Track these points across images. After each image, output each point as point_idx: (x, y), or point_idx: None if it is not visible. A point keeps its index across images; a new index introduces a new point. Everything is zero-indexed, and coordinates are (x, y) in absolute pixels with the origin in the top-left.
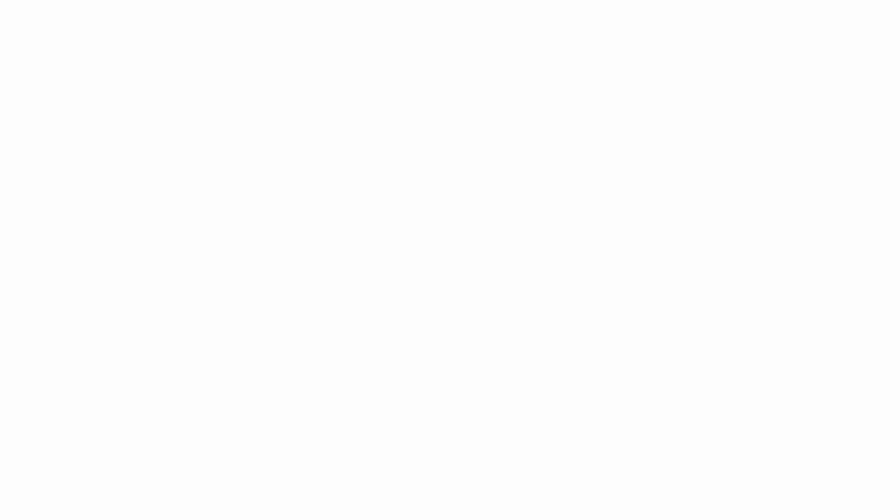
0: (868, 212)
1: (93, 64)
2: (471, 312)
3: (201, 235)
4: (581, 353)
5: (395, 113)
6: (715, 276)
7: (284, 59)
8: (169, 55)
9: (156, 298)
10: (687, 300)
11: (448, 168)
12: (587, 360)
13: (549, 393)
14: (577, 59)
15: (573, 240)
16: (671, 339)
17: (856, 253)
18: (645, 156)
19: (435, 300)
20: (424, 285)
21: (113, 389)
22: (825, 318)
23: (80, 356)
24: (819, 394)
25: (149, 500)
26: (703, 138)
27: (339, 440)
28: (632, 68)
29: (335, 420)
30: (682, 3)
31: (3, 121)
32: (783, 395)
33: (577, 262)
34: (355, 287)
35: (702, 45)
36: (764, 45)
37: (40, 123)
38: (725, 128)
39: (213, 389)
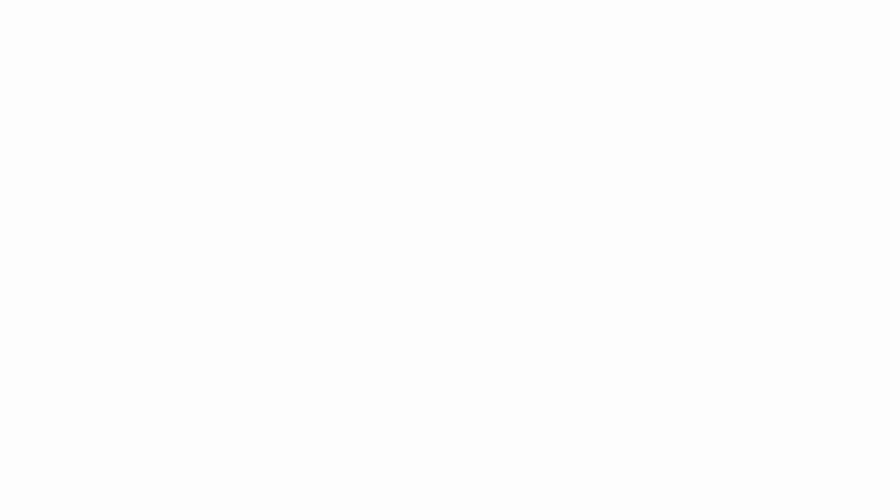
0: (868, 212)
1: (93, 64)
2: (470, 313)
3: (201, 235)
4: (581, 353)
5: (396, 113)
6: (715, 276)
7: (284, 59)
8: (169, 55)
9: (156, 298)
10: (687, 300)
11: (448, 168)
12: (587, 360)
13: (549, 393)
14: (578, 59)
15: (573, 240)
16: (671, 339)
17: (856, 253)
18: (645, 156)
19: (435, 300)
20: (424, 285)
21: (113, 389)
22: (825, 318)
23: (80, 356)
24: (819, 394)
25: (149, 501)
26: (703, 138)
27: (339, 440)
28: (632, 68)
29: (335, 420)
30: (682, 3)
31: (2, 121)
32: (783, 395)
33: (577, 262)
34: (355, 287)
35: (702, 45)
36: (764, 45)
37: (40, 123)
38: (725, 128)
39: (214, 389)
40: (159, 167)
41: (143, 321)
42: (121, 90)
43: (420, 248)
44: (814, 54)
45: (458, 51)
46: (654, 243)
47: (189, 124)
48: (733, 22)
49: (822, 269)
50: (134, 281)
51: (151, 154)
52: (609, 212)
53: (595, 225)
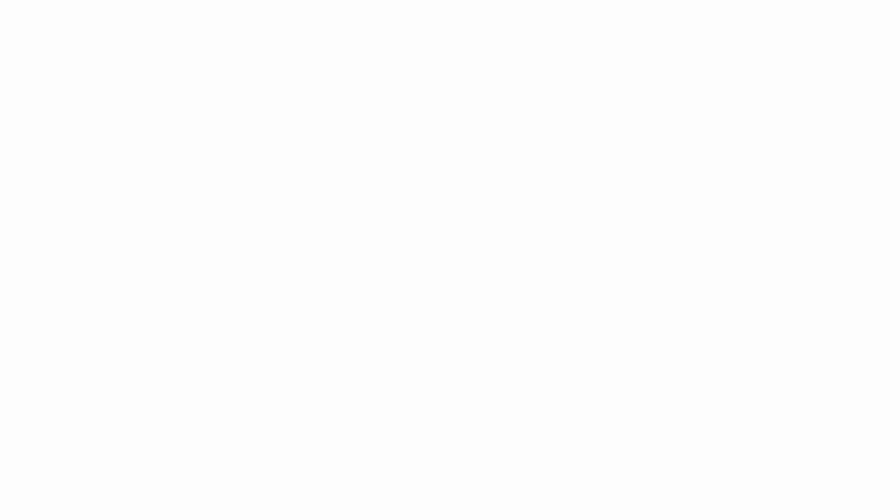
0: (868, 212)
1: (93, 64)
2: (470, 313)
3: (201, 235)
4: (581, 353)
5: (396, 113)
6: (715, 276)
7: (284, 59)
8: (169, 55)
9: (156, 298)
10: (687, 300)
11: (448, 168)
12: (587, 360)
13: (549, 393)
14: (578, 59)
15: (573, 240)
16: (671, 339)
17: (856, 253)
18: (645, 156)
19: (435, 300)
20: (424, 285)
21: (113, 389)
22: (825, 318)
23: (80, 356)
24: (819, 394)
25: (149, 501)
26: (703, 138)
27: (339, 440)
28: (632, 68)
29: (335, 420)
30: (682, 3)
31: (2, 121)
32: (783, 396)
33: (577, 263)
34: (355, 287)
35: (702, 45)
36: (764, 45)
37: (40, 123)
38: (725, 128)
39: (214, 389)
40: (159, 167)
41: (143, 321)
42: (121, 90)
43: (420, 248)
44: (814, 54)
45: (458, 51)
46: (654, 243)
47: (189, 124)
48: (733, 22)
49: (821, 269)
50: (134, 281)
51: (151, 154)
52: (609, 212)
53: (595, 225)
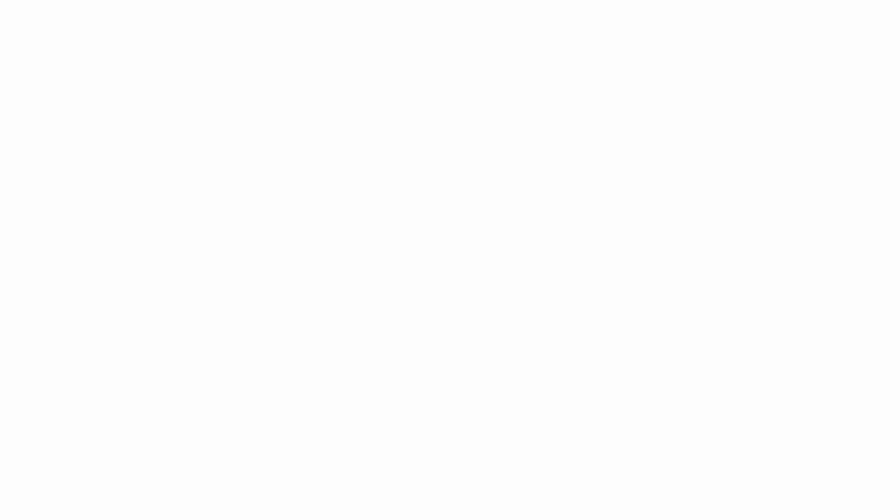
0: (868, 212)
1: (93, 64)
2: (470, 313)
3: (201, 235)
4: (581, 353)
5: (396, 113)
6: (715, 276)
7: (284, 59)
8: (169, 55)
9: (156, 298)
10: (687, 300)
11: (448, 168)
12: (587, 360)
13: (549, 393)
14: (578, 59)
15: (573, 240)
16: (671, 339)
17: (856, 253)
18: (645, 156)
19: (435, 300)
20: (424, 285)
21: (113, 390)
22: (825, 318)
23: (80, 356)
24: (819, 394)
25: (149, 501)
26: (703, 138)
27: (339, 440)
28: (632, 68)
29: (335, 420)
30: (682, 3)
31: (2, 121)
32: (783, 396)
33: (577, 263)
34: (355, 287)
35: (702, 45)
36: (764, 45)
37: (40, 123)
38: (725, 128)
39: (214, 390)
40: (159, 167)
41: (143, 321)
42: (121, 90)
43: (420, 248)
44: (814, 54)
45: (458, 51)
46: (654, 243)
47: (189, 124)
48: (733, 22)
49: (821, 269)
50: (134, 281)
51: (151, 154)
52: (609, 212)
53: (595, 225)
